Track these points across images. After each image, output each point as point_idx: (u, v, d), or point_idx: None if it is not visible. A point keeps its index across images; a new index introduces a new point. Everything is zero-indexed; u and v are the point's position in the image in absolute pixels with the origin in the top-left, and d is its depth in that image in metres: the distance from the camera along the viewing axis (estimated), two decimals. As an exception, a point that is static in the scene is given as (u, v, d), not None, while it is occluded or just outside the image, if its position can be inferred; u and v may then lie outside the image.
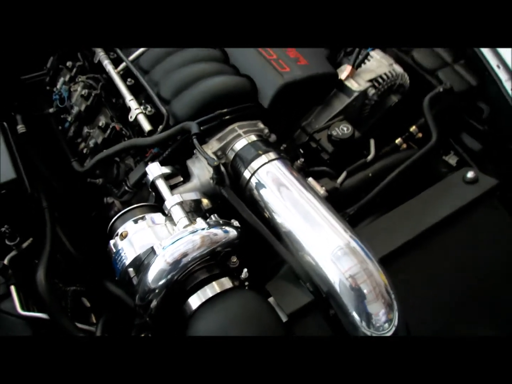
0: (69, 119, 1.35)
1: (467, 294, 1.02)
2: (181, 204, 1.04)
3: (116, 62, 1.36)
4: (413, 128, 1.35)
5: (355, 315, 0.89)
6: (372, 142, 1.27)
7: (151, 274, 0.93)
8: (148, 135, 1.17)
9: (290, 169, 1.09)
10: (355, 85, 1.29)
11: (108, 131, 1.23)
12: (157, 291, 0.93)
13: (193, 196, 1.07)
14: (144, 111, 1.21)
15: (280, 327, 0.91)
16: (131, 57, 1.33)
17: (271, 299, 0.99)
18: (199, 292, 0.94)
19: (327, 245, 0.95)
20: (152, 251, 0.97)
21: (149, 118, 1.21)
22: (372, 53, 1.38)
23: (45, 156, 1.37)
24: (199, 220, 1.00)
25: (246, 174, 1.09)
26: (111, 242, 1.04)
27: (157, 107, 1.20)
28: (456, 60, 1.39)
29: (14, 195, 1.10)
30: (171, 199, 1.04)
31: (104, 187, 1.27)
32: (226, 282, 0.96)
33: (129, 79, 1.30)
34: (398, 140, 1.34)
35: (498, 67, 1.30)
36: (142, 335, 1.03)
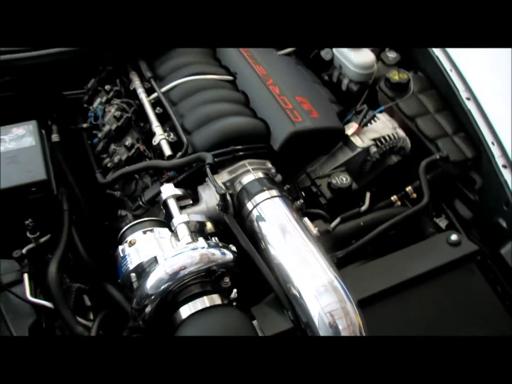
0: (99, 135, 1.50)
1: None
2: (187, 223, 1.15)
3: (149, 92, 1.52)
4: (408, 188, 1.46)
5: None
6: (368, 195, 1.39)
7: (150, 281, 1.04)
8: (168, 159, 1.31)
9: (289, 207, 1.20)
10: (359, 142, 1.42)
11: (133, 151, 1.37)
12: (152, 297, 1.04)
13: (198, 218, 1.19)
14: (167, 138, 1.35)
15: (257, 346, 1.01)
16: (163, 89, 1.49)
17: (254, 322, 1.09)
18: (190, 303, 1.04)
19: (312, 280, 1.05)
20: (154, 261, 1.09)
21: (170, 144, 1.35)
22: (379, 115, 1.52)
23: (72, 165, 1.51)
24: (201, 240, 1.11)
25: (249, 206, 1.21)
26: (120, 247, 1.15)
27: (179, 135, 1.34)
28: (456, 132, 1.51)
29: (41, 194, 1.24)
30: (178, 218, 1.16)
31: (121, 200, 1.40)
32: (216, 299, 1.06)
33: (158, 108, 1.45)
34: (393, 197, 1.45)
35: (493, 143, 1.42)
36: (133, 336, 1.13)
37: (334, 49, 1.73)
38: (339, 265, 1.24)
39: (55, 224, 1.30)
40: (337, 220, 1.29)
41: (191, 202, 1.26)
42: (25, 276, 1.17)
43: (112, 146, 1.46)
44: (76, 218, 1.39)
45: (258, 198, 1.20)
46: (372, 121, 1.49)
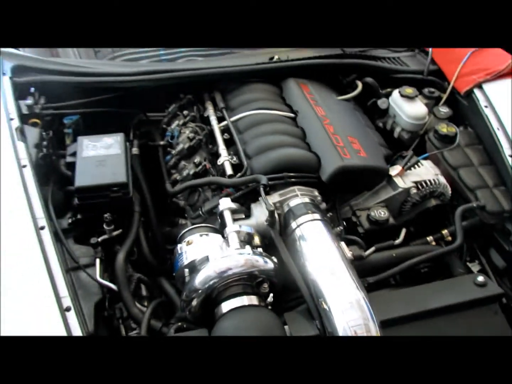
0: (173, 152, 1.72)
1: None
2: (237, 232, 1.32)
3: (220, 119, 1.74)
4: (444, 231, 1.56)
5: None
6: (403, 230, 1.51)
7: (200, 277, 1.21)
8: (228, 177, 1.51)
9: (329, 231, 1.34)
10: (401, 183, 1.56)
11: (200, 167, 1.58)
12: (200, 291, 1.20)
13: (248, 230, 1.36)
14: (230, 160, 1.56)
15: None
16: (232, 118, 1.70)
17: (286, 327, 1.22)
18: (231, 300, 1.19)
19: (341, 297, 1.17)
20: (206, 260, 1.26)
21: (232, 166, 1.55)
22: (424, 162, 1.65)
23: (146, 176, 1.74)
24: (247, 247, 1.28)
25: (293, 225, 1.37)
26: (179, 245, 1.34)
27: (241, 159, 1.54)
28: (496, 185, 1.60)
29: (120, 194, 1.45)
30: (231, 227, 1.34)
31: (183, 208, 1.61)
32: (254, 300, 1.21)
33: (226, 134, 1.67)
34: (429, 238, 1.55)
35: (531, 199, 1.51)
36: (180, 324, 1.29)
37: (390, 99, 1.89)
38: (369, 290, 1.36)
39: (127, 222, 1.52)
40: (372, 249, 1.42)
41: (243, 216, 1.44)
42: (97, 260, 1.38)
43: (182, 163, 1.67)
44: (145, 220, 1.61)
45: (301, 219, 1.36)
46: (416, 166, 1.63)
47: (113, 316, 1.34)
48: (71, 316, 1.13)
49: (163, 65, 2.08)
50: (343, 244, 1.34)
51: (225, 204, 1.41)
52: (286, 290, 1.35)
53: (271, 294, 1.24)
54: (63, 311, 1.13)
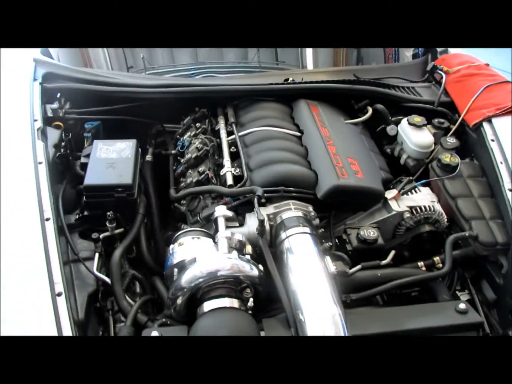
0: (182, 161, 1.82)
1: None
2: (228, 238, 1.39)
3: (229, 133, 1.83)
4: (436, 258, 1.57)
5: None
6: (392, 252, 1.54)
7: (186, 276, 1.28)
8: (228, 187, 1.58)
9: (316, 245, 1.39)
10: (395, 206, 1.59)
11: (203, 176, 1.66)
12: (185, 290, 1.27)
13: (240, 237, 1.42)
14: (232, 171, 1.63)
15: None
16: (240, 133, 1.79)
17: (262, 332, 1.27)
18: (213, 301, 1.25)
19: (317, 309, 1.21)
20: (194, 260, 1.33)
21: (234, 177, 1.62)
22: (422, 188, 1.68)
23: (157, 182, 1.85)
24: (235, 252, 1.34)
25: (283, 235, 1.42)
26: (171, 246, 1.42)
27: (243, 171, 1.62)
28: (493, 218, 1.61)
29: (124, 195, 1.55)
30: (222, 232, 1.40)
31: (184, 214, 1.69)
32: (235, 303, 1.26)
33: (232, 147, 1.75)
34: (420, 263, 1.57)
35: (524, 233, 1.52)
36: (164, 320, 1.36)
37: (398, 127, 1.94)
38: (352, 306, 1.40)
39: (130, 222, 1.61)
40: (358, 266, 1.45)
41: (237, 225, 1.51)
42: (96, 255, 1.48)
43: (189, 171, 1.76)
44: (147, 222, 1.70)
45: (291, 231, 1.41)
46: (414, 192, 1.66)
47: (104, 308, 1.42)
48: (61, 301, 1.22)
49: (182, 80, 2.20)
50: (328, 259, 1.38)
51: (220, 210, 1.48)
52: (271, 300, 1.39)
53: (251, 299, 1.28)
54: (55, 295, 1.22)
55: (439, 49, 2.34)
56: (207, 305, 1.26)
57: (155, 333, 1.21)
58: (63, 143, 1.70)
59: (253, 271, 1.32)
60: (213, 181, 1.65)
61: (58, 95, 1.87)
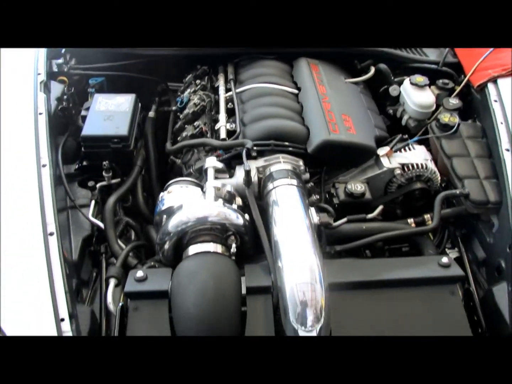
0: (180, 116, 1.86)
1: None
2: (217, 188, 1.43)
3: (228, 90, 1.85)
4: (426, 216, 1.58)
5: (290, 310, 1.14)
6: (380, 207, 1.54)
7: (173, 221, 1.33)
8: (221, 141, 1.61)
9: (302, 197, 1.41)
10: (387, 163, 1.59)
11: (197, 129, 1.69)
12: (171, 234, 1.32)
13: (229, 188, 1.46)
14: (227, 126, 1.66)
15: (236, 291, 1.23)
16: (238, 90, 1.81)
17: (243, 278, 1.30)
18: (197, 245, 1.30)
19: (295, 258, 1.23)
20: (181, 207, 1.38)
21: (228, 131, 1.65)
22: (416, 146, 1.67)
23: (158, 137, 1.90)
24: (221, 201, 1.38)
25: (269, 186, 1.44)
26: (161, 194, 1.47)
27: (236, 126, 1.64)
28: (487, 177, 1.59)
29: (120, 146, 1.60)
30: (211, 182, 1.44)
31: (180, 167, 1.73)
32: (219, 248, 1.31)
33: (230, 104, 1.77)
34: (410, 220, 1.58)
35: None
36: (152, 263, 1.41)
37: (401, 87, 1.92)
38: (335, 258, 1.43)
39: (127, 173, 1.67)
40: (344, 219, 1.47)
41: (227, 177, 1.54)
42: (92, 202, 1.55)
43: (186, 126, 1.80)
44: (146, 175, 1.76)
45: (278, 182, 1.43)
46: (408, 150, 1.65)
47: (98, 252, 1.48)
48: (53, 239, 1.29)
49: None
50: (312, 210, 1.40)
51: (211, 162, 1.51)
52: (259, 251, 1.43)
53: (234, 245, 1.32)
54: (47, 234, 1.29)
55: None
56: (192, 249, 1.30)
57: (140, 273, 1.26)
58: (65, 97, 1.75)
59: (239, 219, 1.35)
60: (207, 135, 1.68)
61: (63, 50, 1.91)
